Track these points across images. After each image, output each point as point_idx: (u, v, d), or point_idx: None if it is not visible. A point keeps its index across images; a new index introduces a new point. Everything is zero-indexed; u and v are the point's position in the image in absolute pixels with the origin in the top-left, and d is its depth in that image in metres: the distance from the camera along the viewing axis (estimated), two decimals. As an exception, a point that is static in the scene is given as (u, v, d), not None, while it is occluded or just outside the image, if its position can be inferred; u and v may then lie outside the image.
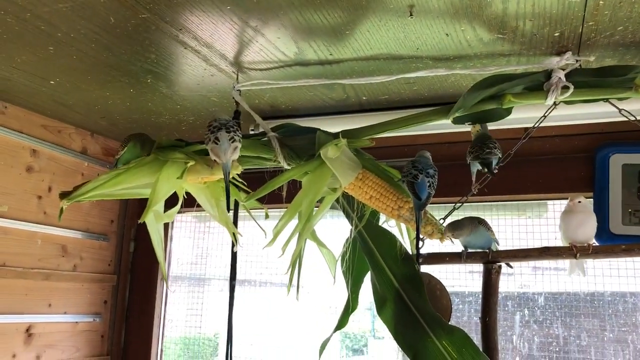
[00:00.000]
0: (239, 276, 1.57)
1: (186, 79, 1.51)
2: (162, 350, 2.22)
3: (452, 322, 1.33)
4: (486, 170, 1.35)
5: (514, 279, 1.82)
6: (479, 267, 1.40)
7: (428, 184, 1.27)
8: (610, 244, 1.50)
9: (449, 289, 1.40)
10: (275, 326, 2.29)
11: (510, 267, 1.45)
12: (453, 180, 1.53)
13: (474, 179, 1.43)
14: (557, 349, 1.73)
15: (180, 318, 2.30)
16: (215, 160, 1.29)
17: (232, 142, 1.26)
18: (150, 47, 1.33)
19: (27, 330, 1.85)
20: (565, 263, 1.76)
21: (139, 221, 1.31)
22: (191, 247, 2.37)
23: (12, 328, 1.80)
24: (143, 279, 2.24)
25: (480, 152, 1.35)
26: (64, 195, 1.40)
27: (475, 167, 1.40)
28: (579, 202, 1.36)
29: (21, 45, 1.35)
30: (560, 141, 1.75)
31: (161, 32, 1.25)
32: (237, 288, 1.57)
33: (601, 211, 1.58)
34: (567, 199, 1.38)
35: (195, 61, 1.40)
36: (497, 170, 1.36)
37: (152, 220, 1.42)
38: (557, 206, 1.78)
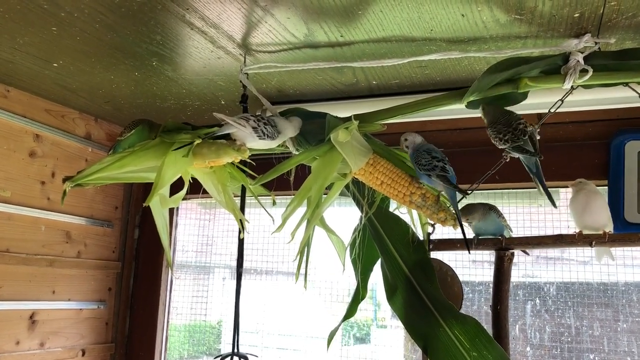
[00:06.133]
0: (244, 264, 1.54)
1: (192, 62, 1.48)
2: (166, 338, 2.20)
3: (462, 311, 1.30)
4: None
5: (525, 268, 1.79)
6: (488, 257, 1.37)
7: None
8: (624, 232, 1.47)
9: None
10: (281, 314, 2.27)
11: (527, 254, 1.42)
12: (464, 167, 1.49)
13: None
14: (569, 339, 1.70)
15: (185, 305, 2.28)
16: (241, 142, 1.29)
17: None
18: (156, 28, 1.30)
19: (31, 317, 1.83)
20: (577, 252, 1.74)
21: (144, 204, 1.28)
22: (196, 234, 2.34)
23: (16, 315, 1.78)
24: (148, 266, 2.22)
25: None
26: (67, 179, 1.37)
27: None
28: (576, 187, 1.33)
29: (23, 26, 1.31)
30: (574, 128, 1.71)
31: (167, 12, 1.22)
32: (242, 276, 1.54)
33: (616, 199, 1.55)
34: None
35: (202, 43, 1.36)
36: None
37: (157, 205, 1.40)
38: (570, 195, 1.74)
